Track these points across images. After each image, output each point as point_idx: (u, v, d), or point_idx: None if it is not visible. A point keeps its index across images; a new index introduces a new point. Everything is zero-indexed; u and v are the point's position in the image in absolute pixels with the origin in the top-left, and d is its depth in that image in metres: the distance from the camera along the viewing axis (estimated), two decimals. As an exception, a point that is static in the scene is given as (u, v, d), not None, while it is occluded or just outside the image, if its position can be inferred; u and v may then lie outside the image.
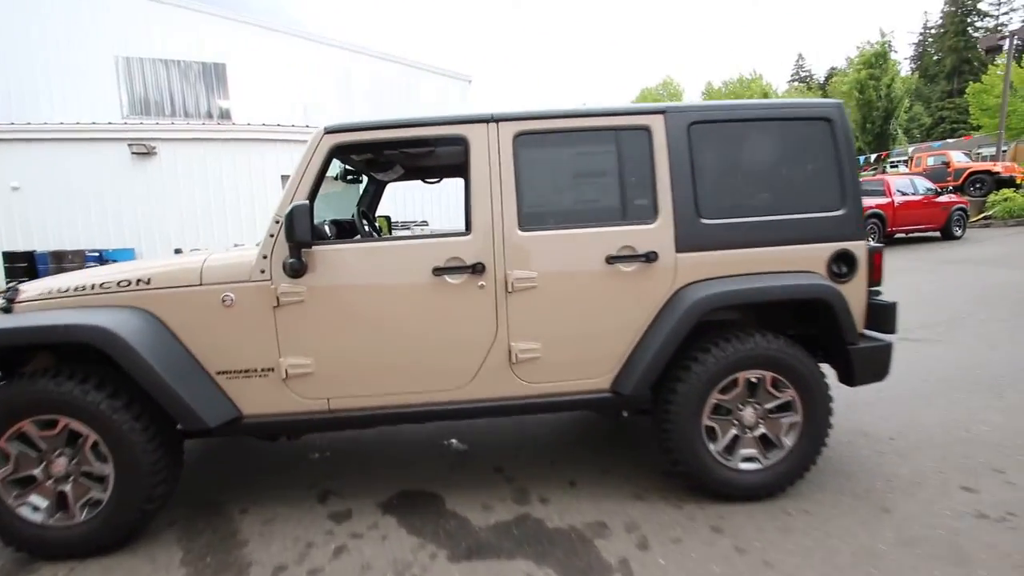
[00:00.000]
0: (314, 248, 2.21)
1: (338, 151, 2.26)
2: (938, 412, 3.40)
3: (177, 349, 2.20)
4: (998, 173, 16.44)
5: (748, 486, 2.40)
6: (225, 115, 15.73)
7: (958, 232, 12.66)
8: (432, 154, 2.89)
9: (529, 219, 2.29)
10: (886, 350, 2.46)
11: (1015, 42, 19.03)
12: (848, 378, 2.47)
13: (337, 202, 3.56)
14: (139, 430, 2.15)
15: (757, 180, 2.43)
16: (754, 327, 2.40)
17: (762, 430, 2.42)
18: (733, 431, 2.40)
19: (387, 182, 3.66)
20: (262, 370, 2.25)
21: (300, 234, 2.06)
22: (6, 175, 10.93)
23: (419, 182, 3.74)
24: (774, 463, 2.42)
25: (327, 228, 2.64)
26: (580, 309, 2.30)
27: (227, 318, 2.22)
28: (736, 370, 2.33)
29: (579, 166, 2.39)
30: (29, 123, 11.49)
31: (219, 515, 2.53)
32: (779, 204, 2.40)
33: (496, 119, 2.27)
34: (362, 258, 2.26)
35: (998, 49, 21.37)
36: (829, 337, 2.45)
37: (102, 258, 10.95)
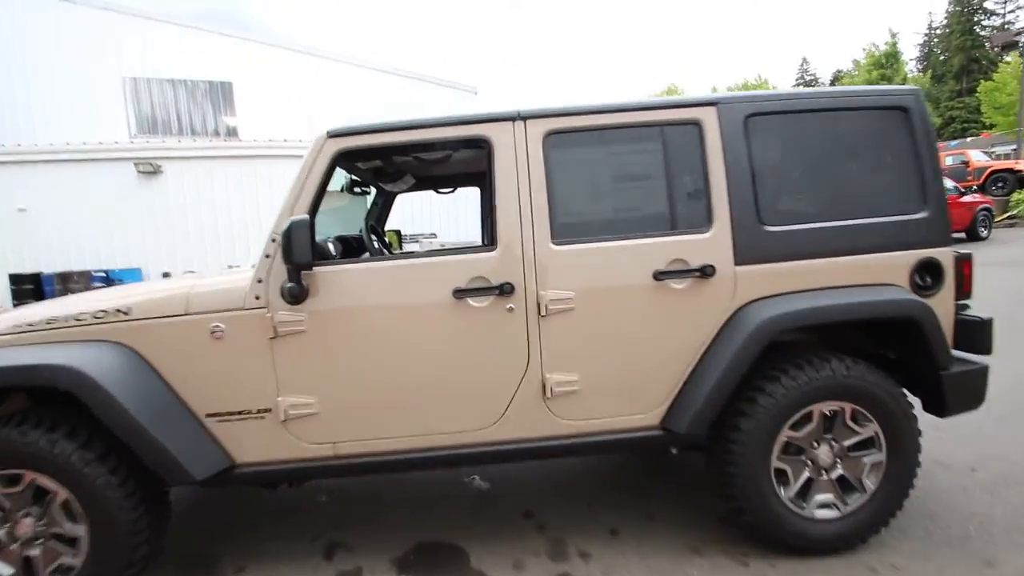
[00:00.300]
0: (316, 270, 1.91)
1: (343, 158, 1.97)
2: (1017, 436, 3.02)
3: (159, 389, 1.90)
4: (1020, 171, 15.96)
5: (825, 538, 2.05)
6: (232, 133, 15.69)
7: (984, 233, 12.19)
8: (448, 160, 2.59)
9: (563, 231, 1.97)
10: (982, 374, 2.11)
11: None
12: (938, 407, 2.12)
13: (343, 217, 3.28)
14: (116, 485, 1.85)
15: (825, 180, 2.10)
16: (829, 351, 2.05)
17: (840, 471, 2.07)
18: (806, 473, 2.05)
19: (397, 193, 3.37)
20: (258, 411, 1.94)
21: (299, 254, 1.76)
22: (13, 197, 10.85)
23: (429, 192, 3.45)
24: (854, 509, 2.07)
25: (331, 246, 2.35)
26: (624, 333, 1.98)
27: (217, 352, 1.92)
28: (810, 402, 1.99)
29: (619, 168, 2.08)
30: (36, 144, 11.45)
31: (212, 574, 2.21)
32: (851, 207, 2.07)
33: (523, 117, 1.97)
34: (372, 280, 1.95)
35: (1014, 45, 20.95)
36: (916, 360, 2.10)
37: (108, 278, 10.81)
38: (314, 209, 1.93)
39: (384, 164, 2.66)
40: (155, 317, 1.93)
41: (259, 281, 1.92)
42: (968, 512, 2.34)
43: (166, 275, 10.50)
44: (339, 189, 2.85)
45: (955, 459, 2.81)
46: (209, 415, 1.94)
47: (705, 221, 2.01)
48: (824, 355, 2.01)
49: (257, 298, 1.92)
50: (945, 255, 2.10)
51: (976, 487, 2.56)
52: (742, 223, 1.99)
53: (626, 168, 2.07)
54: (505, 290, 1.91)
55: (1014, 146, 19.17)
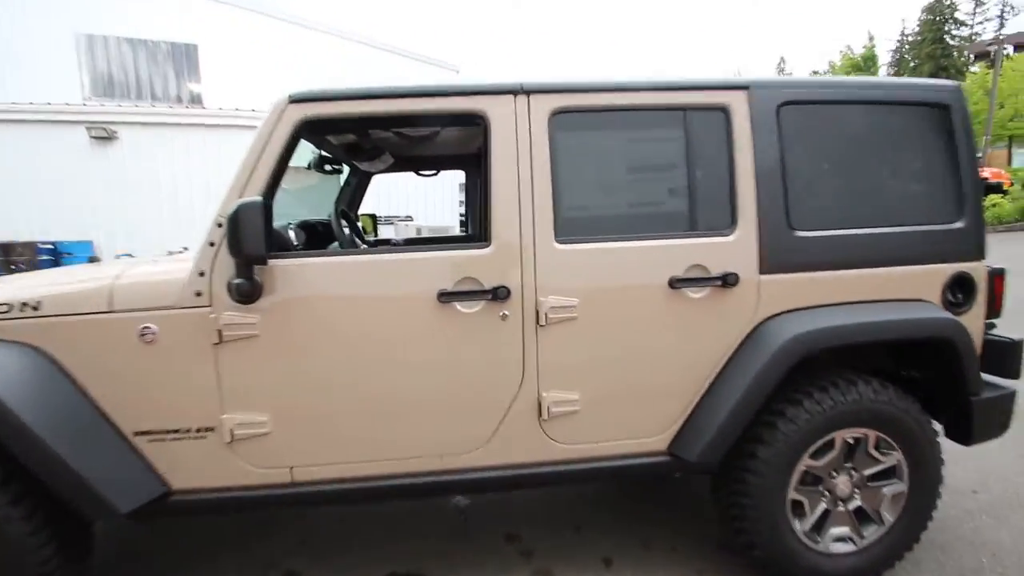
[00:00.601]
0: (272, 263, 1.59)
1: (308, 128, 1.64)
2: (1019, 455, 2.93)
3: (76, 402, 1.56)
4: (987, 179, 16.43)
5: (838, 573, 1.87)
6: (196, 100, 14.73)
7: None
8: (434, 138, 2.27)
9: (569, 227, 1.70)
10: (1009, 400, 1.95)
11: (1005, 49, 19.07)
12: (964, 435, 1.95)
13: (309, 198, 2.91)
14: (19, 518, 1.51)
15: (858, 181, 1.88)
16: (852, 371, 1.85)
17: (858, 502, 1.88)
18: (823, 505, 1.86)
19: (373, 173, 3.04)
20: (198, 430, 1.63)
21: (250, 245, 1.44)
22: (-51, 158, 9.92)
23: (406, 172, 3.12)
24: (870, 543, 1.89)
25: (292, 234, 2.01)
26: (632, 347, 1.73)
27: (148, 358, 1.59)
28: (834, 428, 1.79)
29: (635, 157, 1.81)
30: (-25, 102, 10.46)
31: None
32: (885, 213, 1.86)
33: (527, 90, 1.68)
34: (340, 276, 1.64)
35: (986, 55, 21.44)
36: (944, 384, 1.92)
37: (56, 251, 10.07)
38: (271, 189, 1.60)
39: (359, 139, 2.32)
40: (71, 314, 1.58)
41: (201, 274, 1.59)
42: (978, 541, 2.21)
43: (93, 259, 9.81)
44: (305, 166, 2.50)
45: (956, 479, 2.69)
46: (138, 433, 1.61)
47: (728, 222, 1.76)
48: (850, 377, 1.81)
49: (198, 294, 1.59)
50: (978, 270, 1.92)
51: (980, 511, 2.43)
52: (769, 226, 1.76)
53: (642, 157, 1.80)
54: (499, 295, 1.63)
55: (979, 154, 19.75)
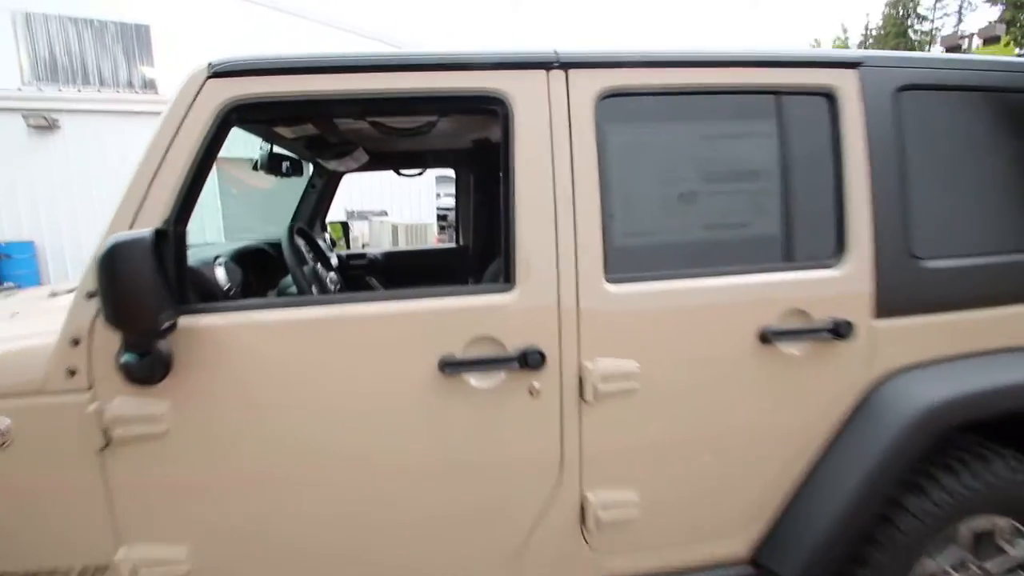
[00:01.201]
0: (189, 321, 1.05)
1: (241, 115, 1.09)
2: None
3: None
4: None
5: None
6: (150, 85, 13.66)
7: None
8: (429, 129, 1.71)
9: (623, 259, 1.20)
10: None
11: (975, 43, 19.23)
12: None
13: (270, 205, 2.32)
14: None
15: (991, 192, 1.42)
16: (982, 442, 1.42)
17: (984, 607, 1.46)
18: (943, 615, 1.43)
19: (343, 173, 2.48)
20: (84, 571, 1.09)
21: (133, 309, 0.90)
22: None
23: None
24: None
25: (220, 272, 1.42)
26: (711, 424, 1.25)
27: (2, 469, 1.04)
28: (960, 518, 1.35)
29: (710, 159, 1.30)
30: None
31: None
32: (1021, 235, 1.42)
33: (564, 63, 1.16)
34: (294, 340, 1.11)
35: (957, 48, 21.68)
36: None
37: (-9, 253, 9.09)
38: (183, 210, 1.05)
39: (324, 130, 1.75)
40: None
41: (75, 342, 1.04)
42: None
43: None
44: (252, 165, 1.93)
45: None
46: (-10, 580, 1.07)
47: (834, 250, 1.29)
48: (980, 451, 1.37)
49: (72, 373, 1.04)
50: None
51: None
52: (889, 254, 1.29)
53: (719, 159, 1.30)
54: (529, 361, 1.12)
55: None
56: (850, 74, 1.29)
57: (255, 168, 1.91)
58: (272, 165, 1.91)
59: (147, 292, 0.88)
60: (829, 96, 1.29)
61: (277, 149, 1.93)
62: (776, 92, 1.27)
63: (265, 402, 1.09)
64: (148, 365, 0.98)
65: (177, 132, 1.05)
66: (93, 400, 1.04)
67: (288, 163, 2.00)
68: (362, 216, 10.38)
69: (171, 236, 1.02)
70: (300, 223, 1.66)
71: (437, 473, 1.17)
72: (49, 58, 13.11)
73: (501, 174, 1.16)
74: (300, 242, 1.69)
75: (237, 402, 1.08)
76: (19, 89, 11.11)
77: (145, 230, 0.91)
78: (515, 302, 1.14)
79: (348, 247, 2.86)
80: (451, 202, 3.29)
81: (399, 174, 2.64)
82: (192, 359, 1.05)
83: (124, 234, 0.89)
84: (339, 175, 2.50)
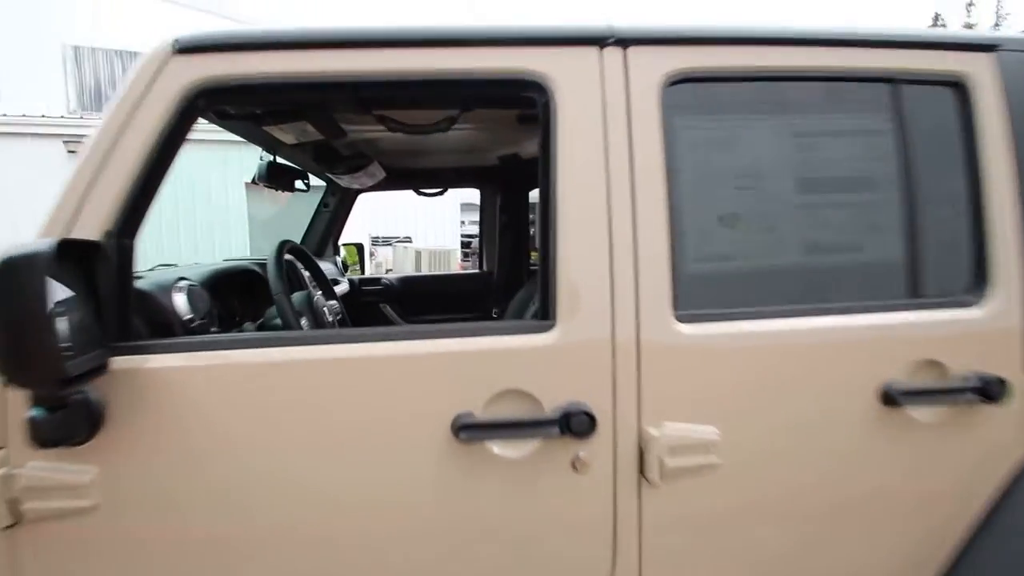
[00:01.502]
0: (123, 362, 0.80)
1: (207, 100, 0.86)
2: None
3: None
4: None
5: None
6: (188, 114, 14.15)
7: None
8: (448, 127, 1.44)
9: (697, 292, 0.92)
10: None
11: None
12: None
13: (285, 224, 2.13)
14: None
15: None
16: None
17: None
18: None
19: (358, 191, 2.27)
20: None
21: (31, 345, 0.65)
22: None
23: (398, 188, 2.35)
24: None
25: (179, 299, 1.17)
26: (817, 512, 0.94)
27: None
28: None
29: (806, 164, 1.02)
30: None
31: None
32: None
33: (621, 39, 0.91)
34: (264, 389, 0.85)
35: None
36: None
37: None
38: (128, 221, 0.82)
39: (323, 132, 1.51)
40: None
41: (-23, 390, 0.80)
42: None
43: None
44: (251, 180, 1.73)
45: None
46: None
47: (975, 282, 0.98)
48: None
49: (-27, 430, 0.79)
50: None
51: None
52: (1047, 287, 0.98)
53: (818, 164, 1.02)
54: (573, 426, 0.84)
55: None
56: (985, 58, 1.01)
57: (253, 181, 1.71)
58: (275, 177, 1.69)
59: (43, 327, 0.63)
60: (960, 86, 1.00)
61: (281, 160, 1.72)
62: (892, 79, 0.99)
63: (225, 472, 0.83)
64: (62, 422, 0.73)
65: (129, 119, 0.82)
66: (3, 464, 0.79)
67: (293, 177, 1.79)
68: (386, 242, 10.31)
69: (112, 250, 0.78)
70: (295, 241, 1.43)
71: (450, 568, 0.88)
72: (94, 88, 13.75)
73: (540, 178, 0.90)
74: (297, 264, 1.45)
75: (189, 471, 0.82)
76: (62, 116, 11.58)
77: (45, 241, 0.67)
78: (555, 345, 0.86)
79: (363, 272, 2.64)
80: (475, 229, 3.08)
81: (419, 193, 2.43)
82: (132, 412, 0.80)
83: (14, 247, 0.65)
84: (354, 194, 2.30)
